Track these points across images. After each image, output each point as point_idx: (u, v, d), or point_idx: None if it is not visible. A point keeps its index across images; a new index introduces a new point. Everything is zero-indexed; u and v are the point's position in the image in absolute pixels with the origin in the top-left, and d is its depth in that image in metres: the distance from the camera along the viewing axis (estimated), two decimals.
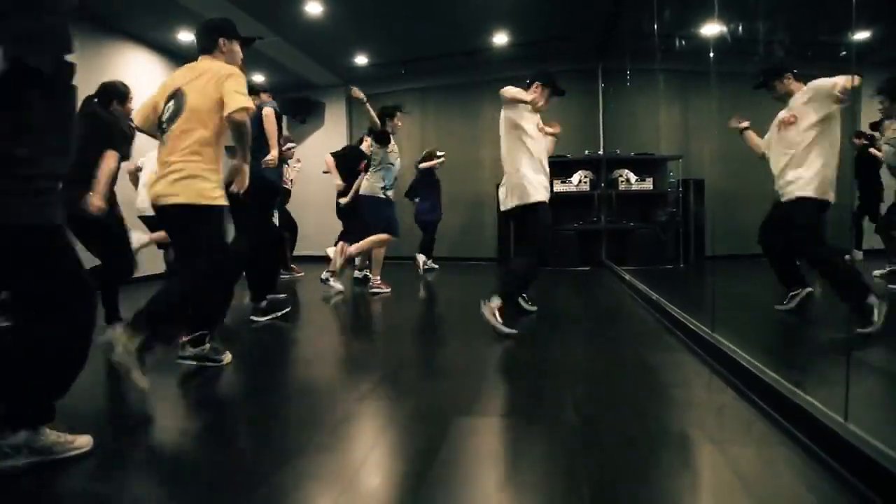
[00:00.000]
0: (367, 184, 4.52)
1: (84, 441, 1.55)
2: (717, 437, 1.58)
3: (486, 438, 1.61)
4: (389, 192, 4.55)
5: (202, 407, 2.06)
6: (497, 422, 1.75)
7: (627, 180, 6.28)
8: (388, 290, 4.67)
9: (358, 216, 4.75)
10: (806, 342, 2.95)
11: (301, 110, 8.03)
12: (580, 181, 6.49)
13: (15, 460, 1.40)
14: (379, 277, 4.71)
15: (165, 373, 2.35)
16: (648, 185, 6.26)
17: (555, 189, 6.48)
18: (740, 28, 3.77)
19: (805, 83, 2.98)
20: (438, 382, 2.23)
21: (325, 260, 5.63)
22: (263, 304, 3.57)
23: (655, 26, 4.60)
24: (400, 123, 4.60)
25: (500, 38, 6.37)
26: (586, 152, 6.68)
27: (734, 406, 1.84)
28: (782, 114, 3.08)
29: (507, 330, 2.88)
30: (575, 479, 1.34)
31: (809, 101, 2.89)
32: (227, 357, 2.49)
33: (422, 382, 2.24)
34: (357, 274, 5.53)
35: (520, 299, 3.58)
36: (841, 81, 2.73)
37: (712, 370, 2.25)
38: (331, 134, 8.07)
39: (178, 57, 6.16)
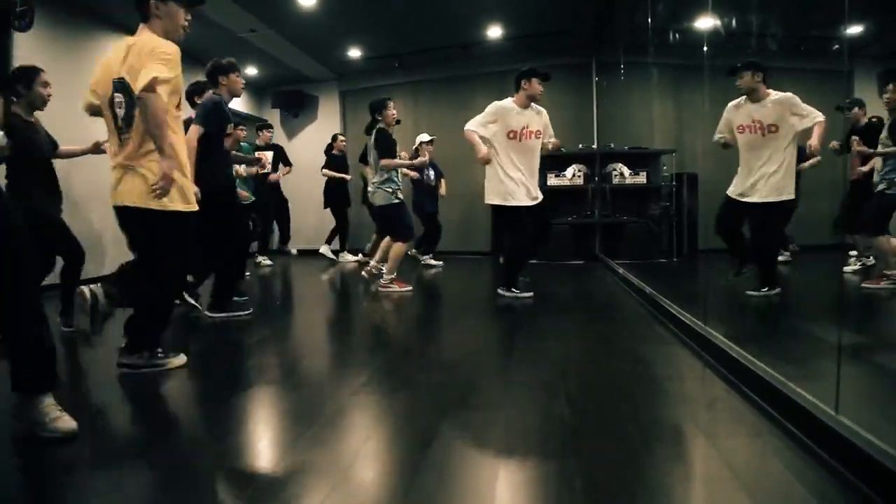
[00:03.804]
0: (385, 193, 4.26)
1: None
2: (708, 430, 1.59)
3: (479, 431, 1.61)
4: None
5: (194, 400, 2.05)
6: (490, 414, 1.75)
7: (621, 174, 6.29)
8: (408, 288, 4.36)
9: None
10: (797, 335, 2.97)
11: (294, 104, 7.97)
12: (574, 175, 6.49)
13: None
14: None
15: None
16: (642, 179, 6.27)
17: (549, 182, 6.49)
18: (734, 22, 3.78)
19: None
20: (432, 375, 2.23)
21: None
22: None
23: (649, 20, 4.60)
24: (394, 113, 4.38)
25: (495, 32, 6.34)
26: (580, 146, 6.66)
27: (726, 398, 1.85)
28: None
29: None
30: (567, 471, 1.35)
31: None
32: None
33: (415, 375, 2.24)
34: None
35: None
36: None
37: (704, 362, 2.26)
38: (324, 128, 8.01)
39: None
